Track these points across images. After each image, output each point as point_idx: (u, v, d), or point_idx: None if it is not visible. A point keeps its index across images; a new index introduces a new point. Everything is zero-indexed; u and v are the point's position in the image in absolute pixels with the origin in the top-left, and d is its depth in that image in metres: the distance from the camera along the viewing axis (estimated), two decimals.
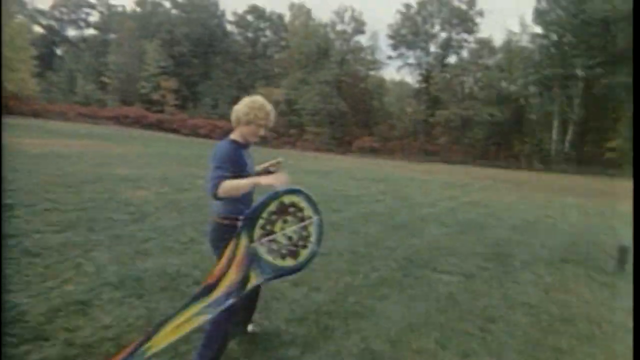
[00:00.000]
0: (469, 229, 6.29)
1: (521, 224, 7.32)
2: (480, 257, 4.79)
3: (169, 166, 11.34)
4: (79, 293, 2.99)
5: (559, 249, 5.68)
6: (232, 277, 1.93)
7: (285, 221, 2.03)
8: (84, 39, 52.32)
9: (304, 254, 2.08)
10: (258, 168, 2.37)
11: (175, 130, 37.66)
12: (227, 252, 1.95)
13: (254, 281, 2.01)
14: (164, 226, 4.96)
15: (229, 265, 1.94)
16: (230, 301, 1.92)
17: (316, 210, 2.10)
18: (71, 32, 53.38)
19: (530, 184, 18.09)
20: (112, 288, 3.13)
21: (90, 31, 52.85)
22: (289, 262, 2.05)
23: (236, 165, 2.04)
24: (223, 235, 2.05)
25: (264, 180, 2.02)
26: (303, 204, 2.07)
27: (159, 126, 38.53)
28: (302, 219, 2.07)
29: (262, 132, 2.18)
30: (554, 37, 34.37)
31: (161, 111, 41.36)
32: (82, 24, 53.40)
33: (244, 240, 1.97)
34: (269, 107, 2.16)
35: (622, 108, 29.60)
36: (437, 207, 8.36)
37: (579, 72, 33.62)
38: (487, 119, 35.43)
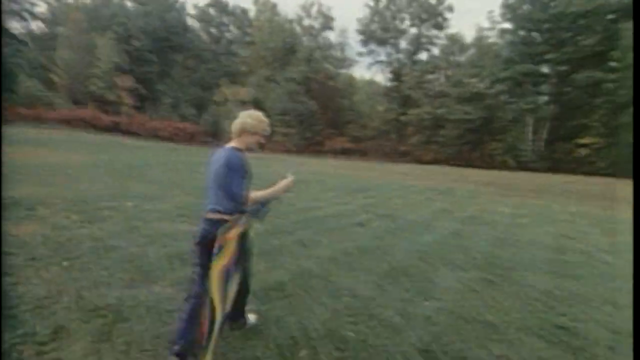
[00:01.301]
0: (494, 272, 4.44)
1: (549, 255, 5.44)
2: (537, 336, 3.00)
3: (98, 181, 9.14)
4: None
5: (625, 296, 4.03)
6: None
7: None
8: (28, 33, 47.86)
9: None
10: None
11: (134, 134, 34.81)
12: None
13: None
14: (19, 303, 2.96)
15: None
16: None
17: None
18: (13, 24, 48.71)
19: (514, 186, 16.97)
20: None
21: (37, 24, 48.46)
22: None
23: (248, 172, 2.29)
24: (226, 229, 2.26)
25: (282, 188, 2.51)
26: None
27: (115, 129, 35.52)
28: None
29: (263, 140, 2.43)
30: (522, 32, 33.94)
31: (118, 112, 38.12)
32: (26, 15, 48.88)
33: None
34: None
35: (593, 104, 29.42)
36: (435, 230, 6.64)
37: (547, 69, 33.38)
38: (460, 118, 34.65)
